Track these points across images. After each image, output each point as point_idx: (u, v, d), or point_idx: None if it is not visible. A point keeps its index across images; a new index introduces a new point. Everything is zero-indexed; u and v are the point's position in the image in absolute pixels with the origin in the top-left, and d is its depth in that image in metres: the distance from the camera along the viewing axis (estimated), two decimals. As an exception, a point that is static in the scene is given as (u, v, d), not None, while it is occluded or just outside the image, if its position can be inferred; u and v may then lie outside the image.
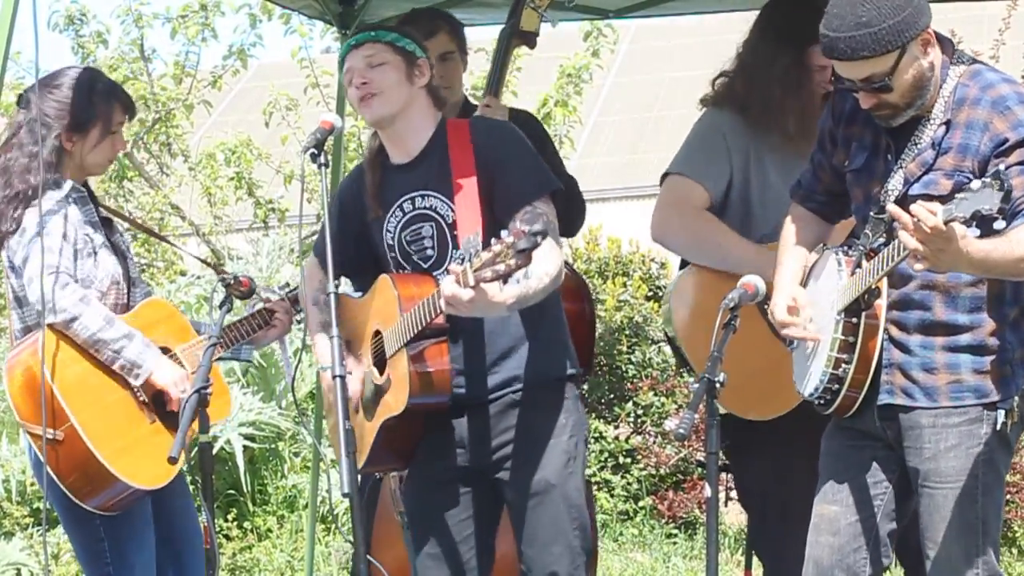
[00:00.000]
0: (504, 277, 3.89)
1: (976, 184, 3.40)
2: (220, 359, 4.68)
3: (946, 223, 3.44)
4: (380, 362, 4.44)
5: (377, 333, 4.45)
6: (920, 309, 3.94)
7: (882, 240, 3.95)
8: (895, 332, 3.96)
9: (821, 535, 4.10)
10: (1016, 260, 3.64)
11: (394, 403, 4.35)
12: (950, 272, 3.79)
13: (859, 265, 3.95)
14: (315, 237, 5.37)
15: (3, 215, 4.61)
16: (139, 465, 4.54)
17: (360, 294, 4.67)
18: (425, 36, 4.93)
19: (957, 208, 3.41)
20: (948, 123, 3.87)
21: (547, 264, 4.15)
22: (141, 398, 4.61)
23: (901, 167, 3.93)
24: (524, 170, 4.41)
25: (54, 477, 4.47)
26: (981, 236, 3.50)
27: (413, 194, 4.44)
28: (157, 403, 4.63)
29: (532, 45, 5.28)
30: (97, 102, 4.69)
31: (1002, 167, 3.47)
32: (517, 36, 5.34)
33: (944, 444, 3.91)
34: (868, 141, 4.02)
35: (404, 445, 4.50)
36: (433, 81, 4.49)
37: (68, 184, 4.67)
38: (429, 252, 4.44)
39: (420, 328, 4.23)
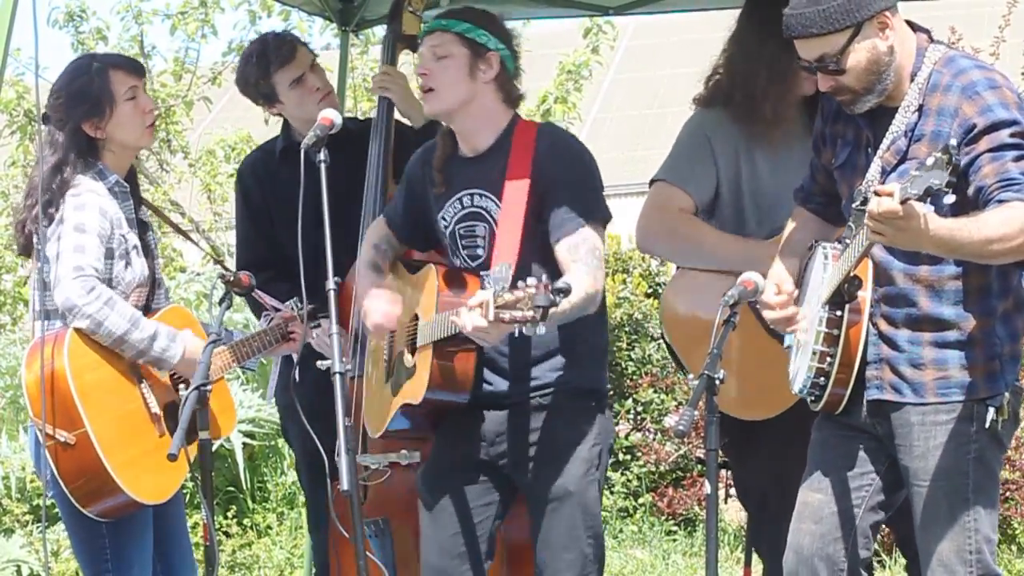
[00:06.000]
0: (519, 324, 3.88)
1: (930, 161, 3.39)
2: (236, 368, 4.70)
3: (903, 202, 3.42)
4: (415, 344, 4.49)
5: (416, 317, 4.48)
6: (906, 304, 3.92)
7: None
8: (884, 327, 3.95)
9: (804, 523, 4.08)
10: (983, 240, 3.58)
11: (413, 391, 4.41)
12: (912, 249, 3.73)
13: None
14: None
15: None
16: (144, 478, 4.54)
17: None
18: (287, 58, 5.10)
19: (912, 185, 3.39)
20: (920, 108, 3.85)
21: (586, 283, 4.15)
22: (154, 410, 4.61)
23: (879, 157, 3.92)
24: (579, 191, 4.35)
25: (59, 479, 4.45)
26: (938, 212, 3.47)
27: (473, 190, 4.43)
28: (168, 415, 4.62)
29: (415, 49, 5.15)
30: (96, 78, 4.65)
31: (952, 142, 3.43)
32: (400, 41, 5.39)
33: (933, 442, 3.88)
34: (851, 137, 4.02)
35: (425, 422, 4.59)
36: (504, 77, 4.40)
37: (113, 177, 4.66)
38: (480, 251, 4.44)
39: (447, 336, 4.26)
